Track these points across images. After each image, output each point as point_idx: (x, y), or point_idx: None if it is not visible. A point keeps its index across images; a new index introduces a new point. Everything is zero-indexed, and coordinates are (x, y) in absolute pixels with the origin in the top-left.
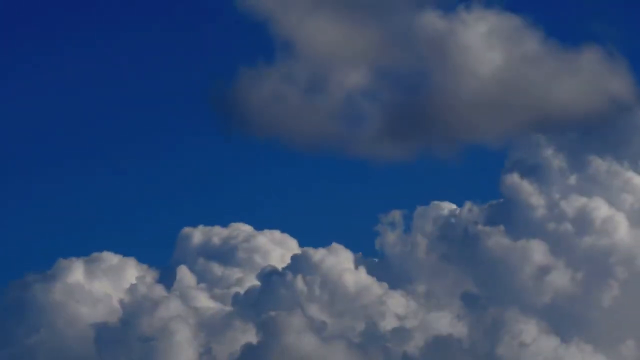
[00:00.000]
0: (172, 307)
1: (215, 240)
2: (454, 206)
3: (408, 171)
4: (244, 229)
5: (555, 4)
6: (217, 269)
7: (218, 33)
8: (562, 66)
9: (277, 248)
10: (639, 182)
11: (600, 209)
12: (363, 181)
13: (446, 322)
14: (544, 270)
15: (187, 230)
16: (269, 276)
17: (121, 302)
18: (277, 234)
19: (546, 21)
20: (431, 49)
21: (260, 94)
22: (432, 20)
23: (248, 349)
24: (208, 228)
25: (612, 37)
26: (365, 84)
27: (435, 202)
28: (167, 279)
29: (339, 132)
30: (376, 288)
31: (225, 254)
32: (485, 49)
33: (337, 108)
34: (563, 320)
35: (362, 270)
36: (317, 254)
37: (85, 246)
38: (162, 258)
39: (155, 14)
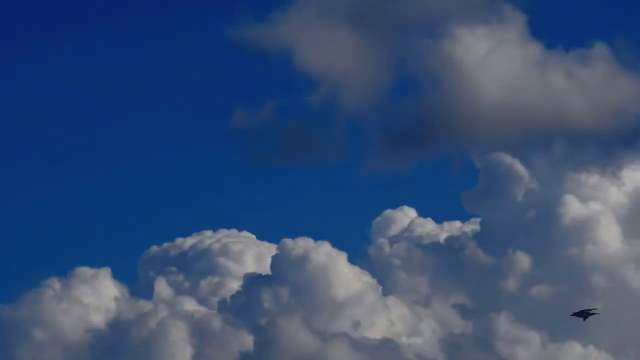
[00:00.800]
0: (161, 317)
1: (186, 251)
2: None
3: (404, 182)
4: (218, 235)
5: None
6: (194, 278)
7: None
8: (567, 76)
9: (256, 254)
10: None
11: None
12: (356, 189)
13: (439, 327)
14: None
15: (154, 248)
16: (252, 281)
17: (109, 314)
18: (255, 240)
19: (548, 31)
20: (432, 69)
21: (262, 113)
22: (432, 43)
23: (244, 354)
24: (180, 240)
25: (619, 47)
26: (366, 103)
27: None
28: (142, 292)
29: (339, 148)
30: (367, 294)
31: (199, 264)
32: (487, 66)
33: (339, 127)
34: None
35: (353, 275)
36: (302, 257)
37: (60, 262)
38: (131, 273)
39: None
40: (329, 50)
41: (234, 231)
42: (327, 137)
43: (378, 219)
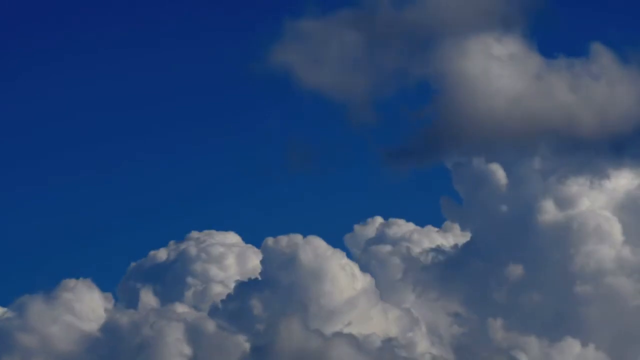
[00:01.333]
0: (154, 326)
1: (171, 258)
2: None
3: (403, 191)
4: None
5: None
6: (182, 286)
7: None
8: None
9: (243, 256)
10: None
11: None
12: (355, 195)
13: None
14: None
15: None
16: (242, 285)
17: (100, 325)
18: (240, 241)
19: (548, 41)
20: (434, 80)
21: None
22: (433, 54)
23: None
24: (154, 251)
25: (620, 50)
26: (367, 115)
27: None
28: (125, 302)
29: (338, 159)
30: (360, 300)
31: (185, 270)
32: (489, 77)
33: (338, 139)
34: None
35: (349, 275)
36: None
37: (44, 276)
38: (112, 283)
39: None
40: (329, 64)
41: (218, 233)
42: (326, 148)
43: (373, 225)
